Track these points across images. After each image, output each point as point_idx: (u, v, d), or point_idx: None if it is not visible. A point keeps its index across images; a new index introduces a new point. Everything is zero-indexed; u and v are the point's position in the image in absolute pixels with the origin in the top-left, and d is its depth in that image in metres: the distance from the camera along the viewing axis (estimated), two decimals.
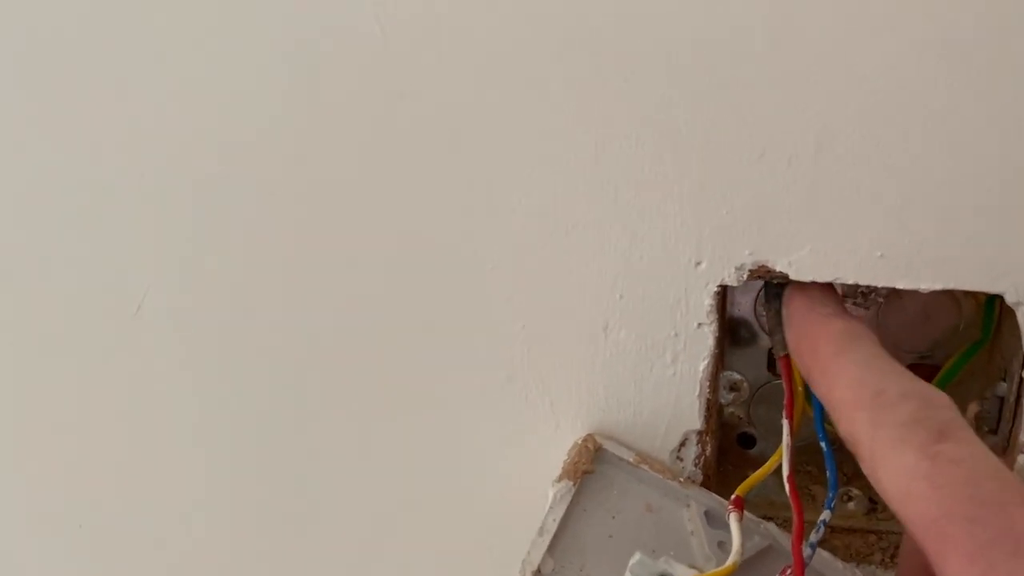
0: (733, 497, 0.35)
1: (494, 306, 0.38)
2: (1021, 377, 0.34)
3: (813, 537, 0.34)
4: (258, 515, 0.44)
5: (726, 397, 0.38)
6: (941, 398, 0.29)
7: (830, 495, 0.35)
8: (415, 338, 0.39)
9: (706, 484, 0.39)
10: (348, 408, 0.41)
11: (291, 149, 0.36)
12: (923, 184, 0.32)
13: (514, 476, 0.40)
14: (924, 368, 0.39)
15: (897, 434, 0.28)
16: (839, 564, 0.37)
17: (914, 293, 0.38)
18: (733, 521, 0.34)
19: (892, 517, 0.39)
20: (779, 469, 0.34)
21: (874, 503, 0.39)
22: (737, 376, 0.38)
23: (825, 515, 0.34)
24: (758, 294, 0.40)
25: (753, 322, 0.40)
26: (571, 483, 0.36)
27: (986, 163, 0.31)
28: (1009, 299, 0.33)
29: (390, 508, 0.42)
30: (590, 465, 0.37)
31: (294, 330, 0.40)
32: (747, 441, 0.43)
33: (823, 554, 0.37)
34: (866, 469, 0.29)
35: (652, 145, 0.34)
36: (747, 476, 0.37)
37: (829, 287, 0.35)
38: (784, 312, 0.35)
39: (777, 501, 0.41)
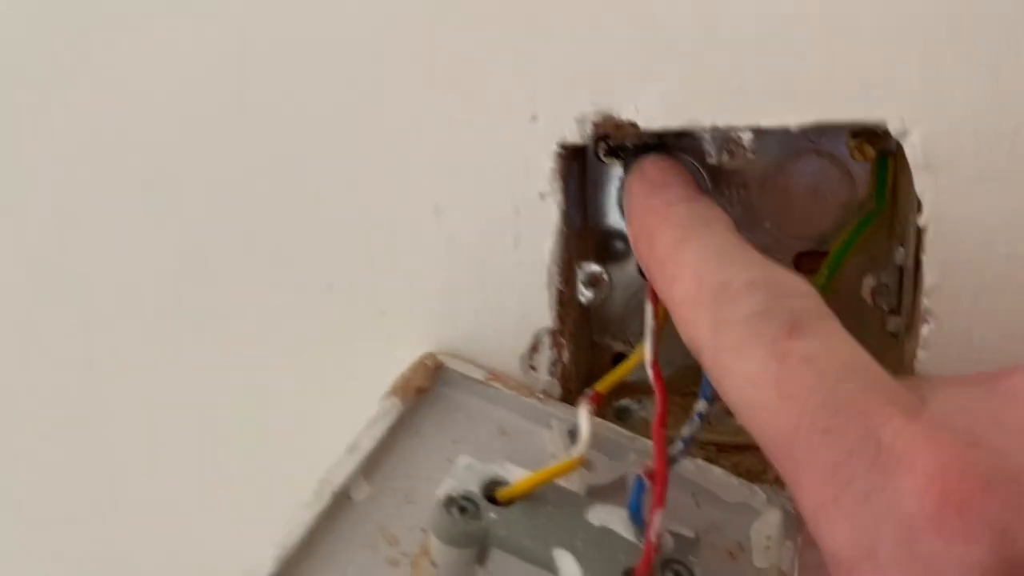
0: (590, 392, 0.29)
1: (301, 198, 0.32)
2: (918, 229, 0.28)
3: (686, 429, 0.28)
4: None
5: (586, 294, 0.33)
6: (796, 284, 0.24)
7: (706, 379, 0.29)
8: (210, 239, 0.33)
9: (567, 400, 0.33)
10: (152, 325, 0.35)
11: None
12: None
13: (343, 404, 0.34)
14: (818, 256, 0.34)
15: (741, 333, 0.23)
16: (733, 480, 0.31)
17: (798, 166, 0.33)
18: (582, 411, 0.28)
19: None
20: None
21: None
22: (596, 268, 0.32)
23: (700, 405, 0.27)
24: (622, 183, 0.34)
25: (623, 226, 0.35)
26: (398, 400, 0.30)
27: None
28: (893, 127, 0.27)
29: (202, 442, 0.35)
30: (426, 382, 0.31)
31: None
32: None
33: (714, 470, 0.31)
34: (713, 382, 0.24)
35: None
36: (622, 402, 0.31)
37: (676, 167, 0.30)
38: (625, 205, 0.30)
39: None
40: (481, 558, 0.25)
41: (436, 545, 0.25)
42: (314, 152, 0.31)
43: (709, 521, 0.30)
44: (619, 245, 0.36)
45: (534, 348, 0.32)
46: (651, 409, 0.30)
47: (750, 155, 0.30)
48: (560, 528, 0.25)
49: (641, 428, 0.32)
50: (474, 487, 0.26)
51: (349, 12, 0.30)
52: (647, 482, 0.26)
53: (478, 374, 0.32)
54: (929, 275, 0.28)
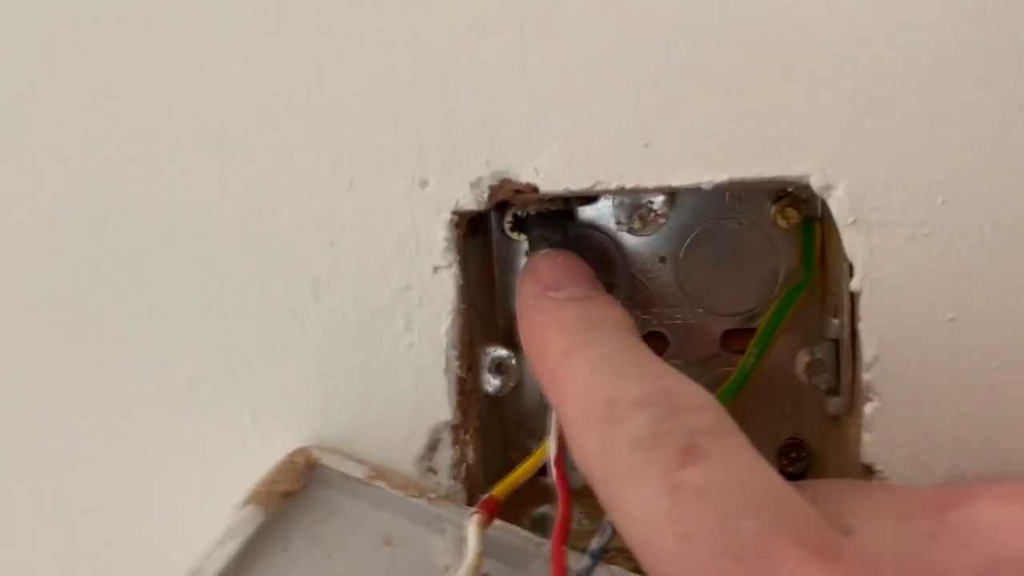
0: (484, 498, 0.25)
1: (162, 277, 0.28)
2: (851, 295, 0.25)
3: (596, 543, 0.24)
4: None
5: (493, 383, 0.29)
6: (692, 396, 0.21)
7: None
8: (61, 326, 0.28)
9: (474, 504, 0.28)
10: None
11: None
12: (688, 42, 0.25)
13: (208, 517, 0.29)
14: (747, 333, 0.31)
15: (630, 461, 0.20)
16: None
17: (717, 236, 0.30)
18: (471, 525, 0.23)
19: None
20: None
21: None
22: (503, 352, 0.28)
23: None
24: (526, 252, 0.31)
25: None
26: (259, 508, 0.25)
27: (770, 11, 0.25)
28: (816, 183, 0.25)
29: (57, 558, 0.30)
30: (293, 484, 0.26)
31: None
32: None
33: (613, 571, 0.27)
34: (608, 513, 0.21)
35: (345, 10, 0.26)
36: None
37: (571, 263, 0.27)
38: (516, 306, 0.27)
39: (584, 529, 0.30)
40: None
41: None
42: (172, 222, 0.27)
43: None
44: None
45: (432, 447, 0.28)
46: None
47: (662, 220, 0.27)
48: None
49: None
50: None
51: (215, 60, 0.27)
52: None
53: (359, 472, 0.27)
54: (868, 346, 0.25)
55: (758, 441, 0.32)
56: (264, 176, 0.27)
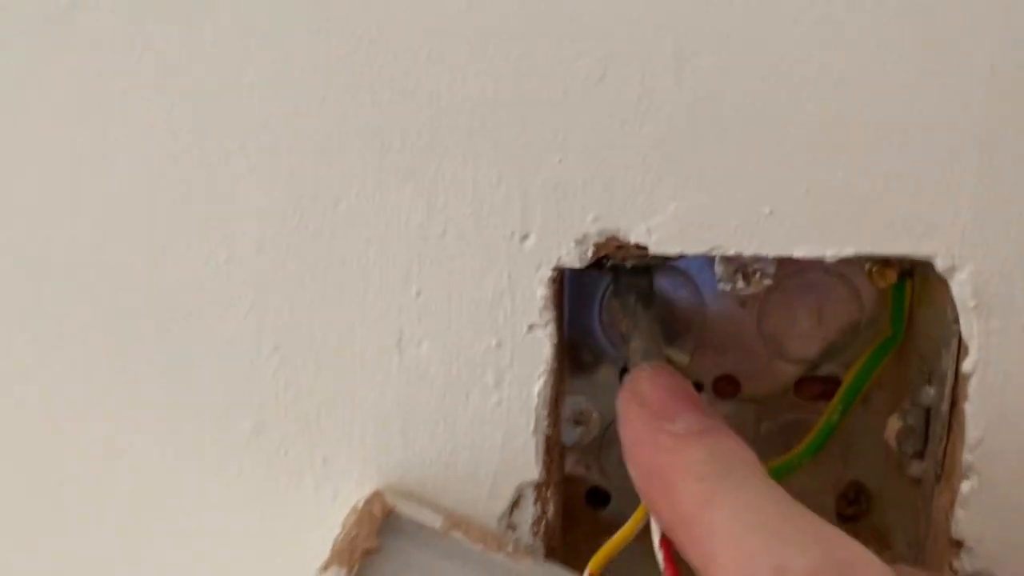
0: (586, 574, 0.24)
1: (230, 317, 0.26)
2: (957, 373, 0.25)
3: None
4: None
5: (571, 434, 0.28)
6: (862, 559, 0.20)
7: None
8: (117, 371, 0.26)
9: (550, 558, 0.28)
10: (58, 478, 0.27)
11: None
12: (821, 113, 0.24)
13: (283, 570, 0.27)
14: (819, 381, 0.30)
15: None
16: None
17: (802, 284, 0.30)
18: None
19: None
20: (646, 530, 0.24)
21: None
22: (584, 403, 0.28)
23: None
24: (603, 294, 0.30)
25: (598, 336, 0.30)
26: (343, 570, 0.24)
27: (904, 88, 0.23)
28: (940, 265, 0.24)
29: None
30: (373, 541, 0.25)
31: None
32: (598, 498, 0.32)
33: None
34: None
35: (444, 61, 0.23)
36: (602, 543, 0.26)
37: (678, 384, 0.25)
38: (621, 432, 0.25)
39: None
40: None
41: None
42: (244, 263, 0.25)
43: None
44: (586, 357, 0.31)
45: (515, 504, 0.27)
46: None
47: (768, 281, 0.26)
48: None
49: None
50: None
51: (309, 95, 0.24)
52: None
53: (435, 521, 0.26)
54: (974, 428, 0.25)
55: (820, 483, 0.32)
56: (350, 220, 0.25)
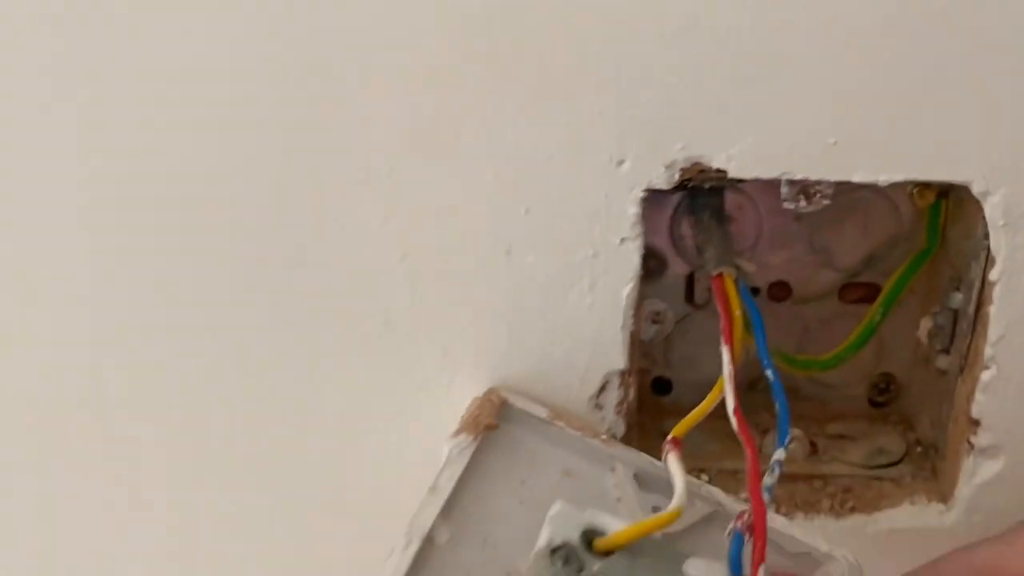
0: (669, 438, 0.29)
1: (366, 231, 0.30)
2: (984, 281, 0.30)
3: (767, 480, 0.28)
4: None
5: (648, 331, 0.32)
6: None
7: (782, 430, 0.29)
8: (269, 274, 0.31)
9: (628, 435, 0.33)
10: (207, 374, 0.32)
11: None
12: (877, 56, 0.27)
13: (401, 445, 0.32)
14: (860, 287, 0.35)
15: None
16: (796, 531, 0.32)
17: (851, 202, 0.34)
18: (672, 461, 0.27)
19: (836, 459, 0.35)
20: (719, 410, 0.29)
21: (814, 445, 0.34)
22: (660, 305, 0.32)
23: (779, 454, 0.28)
24: (674, 211, 0.34)
25: (667, 247, 0.35)
26: (471, 438, 0.29)
27: (949, 30, 0.27)
28: (976, 188, 0.28)
29: (266, 483, 0.33)
30: (493, 420, 0.30)
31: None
32: (662, 387, 0.37)
33: (778, 519, 0.32)
34: None
35: (554, 10, 0.27)
36: (665, 428, 0.31)
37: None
38: None
39: (705, 450, 0.35)
40: None
41: None
42: (382, 183, 0.29)
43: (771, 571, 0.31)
44: (652, 264, 0.36)
45: (602, 388, 0.31)
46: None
47: (826, 201, 0.31)
48: None
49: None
50: (573, 536, 0.26)
51: (424, 28, 0.28)
52: (746, 536, 0.27)
53: (541, 412, 0.31)
54: (996, 326, 0.29)
55: (855, 374, 0.36)
56: (471, 147, 0.28)
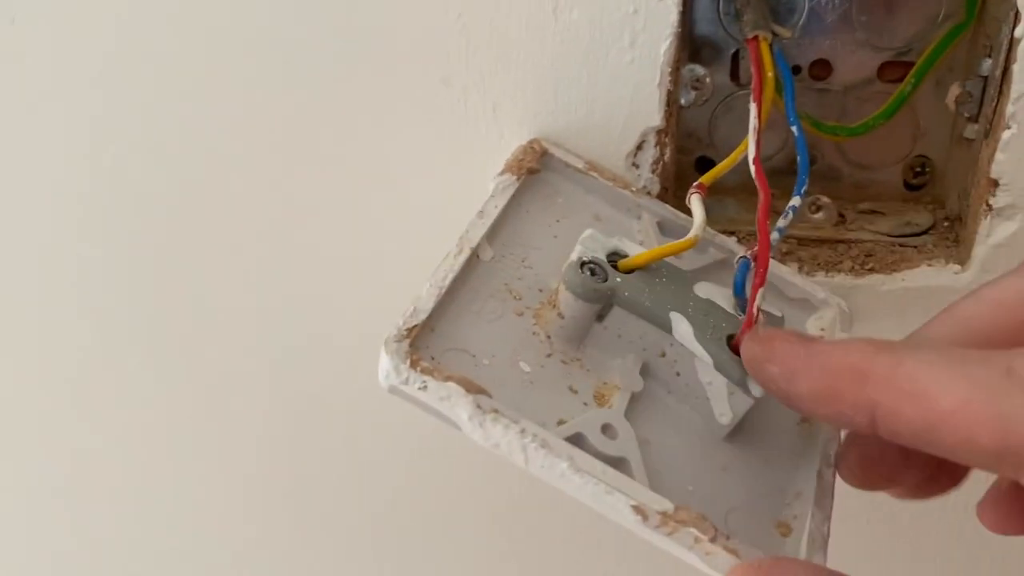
0: (696, 183, 0.32)
1: None
2: (1011, 40, 0.31)
3: (781, 222, 0.31)
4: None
5: (688, 96, 0.35)
6: None
7: (801, 178, 0.32)
8: (332, 34, 0.34)
9: (663, 196, 0.35)
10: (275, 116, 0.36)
11: None
12: None
13: (454, 191, 0.36)
14: (900, 66, 0.36)
15: None
16: (797, 279, 0.34)
17: None
18: (695, 201, 0.30)
19: (862, 227, 0.37)
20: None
21: (843, 216, 0.36)
22: (701, 70, 0.34)
23: (795, 201, 0.31)
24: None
25: (714, 33, 0.37)
26: (514, 177, 0.33)
27: None
28: None
29: (323, 224, 0.38)
30: (535, 163, 0.33)
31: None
32: (705, 166, 0.40)
33: (781, 268, 0.35)
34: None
35: None
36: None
37: None
38: None
39: (738, 218, 0.38)
40: (600, 315, 0.29)
41: (566, 299, 0.29)
42: None
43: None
44: (707, 53, 0.37)
45: (639, 146, 0.34)
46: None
47: None
48: (674, 296, 0.29)
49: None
50: (600, 255, 0.29)
51: None
52: (752, 263, 0.30)
53: (578, 163, 0.34)
54: (1017, 83, 0.31)
55: (892, 155, 0.38)
56: None
